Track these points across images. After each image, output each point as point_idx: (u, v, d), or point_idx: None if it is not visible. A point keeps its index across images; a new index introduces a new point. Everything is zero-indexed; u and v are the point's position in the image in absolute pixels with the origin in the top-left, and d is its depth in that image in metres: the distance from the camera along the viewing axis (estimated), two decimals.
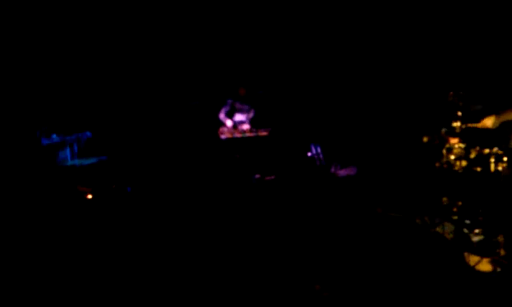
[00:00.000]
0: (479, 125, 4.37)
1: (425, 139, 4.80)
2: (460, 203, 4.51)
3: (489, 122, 4.31)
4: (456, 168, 4.44)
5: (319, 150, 7.33)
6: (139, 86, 7.85)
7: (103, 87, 7.67)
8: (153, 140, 7.65)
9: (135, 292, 3.72)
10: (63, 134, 6.32)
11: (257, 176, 7.17)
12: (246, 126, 7.38)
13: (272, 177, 7.15)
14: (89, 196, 5.93)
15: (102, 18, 7.42)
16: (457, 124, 4.51)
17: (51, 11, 7.08)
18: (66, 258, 4.38)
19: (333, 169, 7.27)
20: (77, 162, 6.41)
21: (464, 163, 4.41)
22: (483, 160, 4.27)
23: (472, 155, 4.35)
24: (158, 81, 7.94)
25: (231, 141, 7.28)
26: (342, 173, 7.20)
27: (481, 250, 4.05)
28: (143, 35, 7.71)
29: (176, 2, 7.59)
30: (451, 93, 4.49)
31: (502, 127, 4.26)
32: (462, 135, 4.50)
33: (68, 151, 6.39)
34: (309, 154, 7.35)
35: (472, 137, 4.47)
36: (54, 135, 6.18)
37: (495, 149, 4.18)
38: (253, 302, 3.52)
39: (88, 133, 6.71)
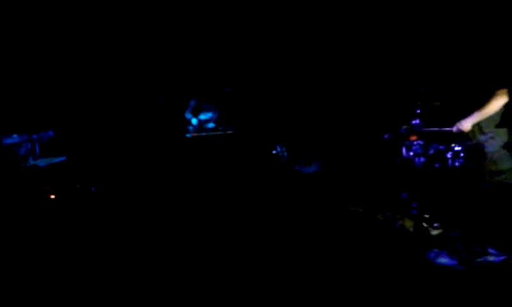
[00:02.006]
0: (488, 109, 4.18)
1: (385, 136, 4.95)
2: (419, 198, 4.67)
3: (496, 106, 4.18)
4: (415, 164, 4.61)
5: (283, 148, 7.41)
6: (103, 84, 7.75)
7: (65, 86, 7.53)
8: (118, 139, 7.57)
9: (100, 292, 3.70)
10: (24, 134, 6.17)
11: (223, 174, 7.19)
12: (211, 125, 7.39)
13: (238, 174, 7.18)
14: (52, 196, 5.82)
15: (66, 15, 7.28)
16: (416, 121, 4.67)
17: (14, 10, 6.91)
18: (30, 259, 4.31)
19: (297, 167, 7.37)
20: (39, 161, 6.28)
21: (423, 159, 4.59)
22: (441, 156, 4.44)
23: (431, 152, 4.52)
24: (121, 79, 7.85)
25: (196, 139, 7.26)
26: (306, 170, 7.31)
27: (440, 243, 4.21)
28: (107, 32, 7.60)
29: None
30: (411, 90, 4.65)
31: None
32: (421, 132, 4.66)
33: (29, 150, 6.24)
34: (274, 152, 7.42)
35: (430, 134, 4.64)
36: (15, 135, 6.03)
37: (452, 145, 4.36)
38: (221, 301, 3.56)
39: (50, 133, 6.57)
